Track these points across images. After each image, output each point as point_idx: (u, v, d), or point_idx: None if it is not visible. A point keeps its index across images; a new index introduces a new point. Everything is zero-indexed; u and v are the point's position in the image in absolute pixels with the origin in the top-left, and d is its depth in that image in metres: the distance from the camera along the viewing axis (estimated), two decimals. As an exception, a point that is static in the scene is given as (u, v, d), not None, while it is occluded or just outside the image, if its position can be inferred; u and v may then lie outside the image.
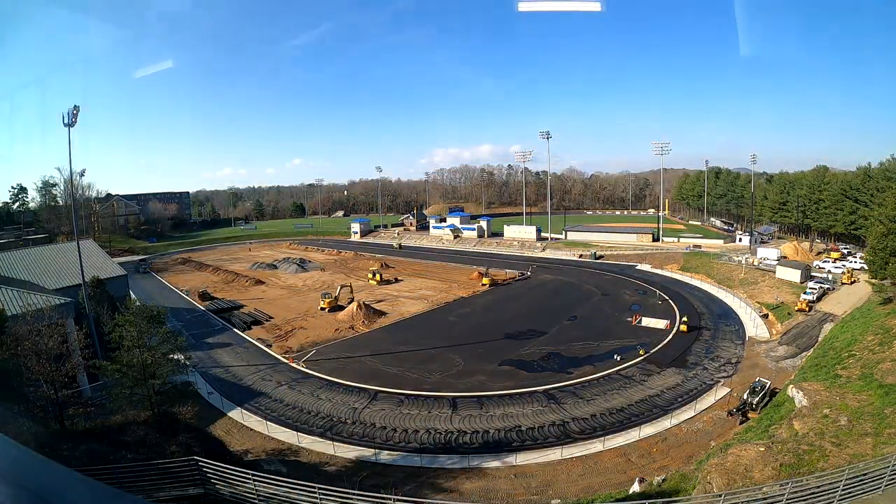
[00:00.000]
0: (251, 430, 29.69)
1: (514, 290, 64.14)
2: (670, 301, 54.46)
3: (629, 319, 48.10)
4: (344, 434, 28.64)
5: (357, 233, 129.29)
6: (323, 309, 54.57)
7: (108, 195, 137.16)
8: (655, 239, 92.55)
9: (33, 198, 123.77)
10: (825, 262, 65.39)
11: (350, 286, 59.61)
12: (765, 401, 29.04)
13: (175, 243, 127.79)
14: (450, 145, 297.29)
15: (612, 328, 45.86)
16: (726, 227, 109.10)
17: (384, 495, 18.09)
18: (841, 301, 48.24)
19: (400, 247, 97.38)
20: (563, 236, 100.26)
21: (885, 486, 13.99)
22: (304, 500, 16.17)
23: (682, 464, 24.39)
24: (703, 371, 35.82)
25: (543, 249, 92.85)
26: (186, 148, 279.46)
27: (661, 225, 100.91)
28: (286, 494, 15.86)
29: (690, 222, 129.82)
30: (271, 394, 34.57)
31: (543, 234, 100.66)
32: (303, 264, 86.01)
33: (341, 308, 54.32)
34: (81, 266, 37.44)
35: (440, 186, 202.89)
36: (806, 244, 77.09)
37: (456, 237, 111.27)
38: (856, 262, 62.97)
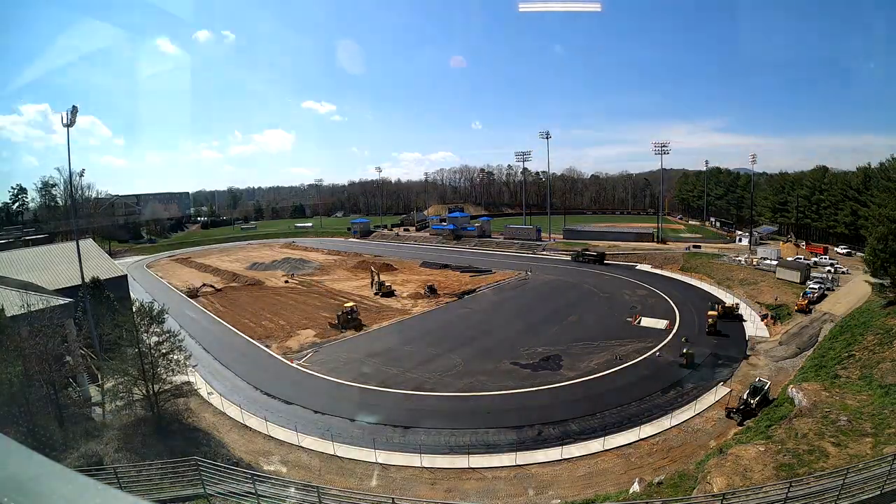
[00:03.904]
0: (251, 429, 29.68)
1: (513, 291, 64.12)
2: (675, 306, 54.42)
3: (629, 319, 48.11)
4: (344, 434, 28.64)
5: (357, 233, 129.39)
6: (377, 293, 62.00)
7: (108, 195, 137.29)
8: (655, 239, 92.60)
9: (33, 198, 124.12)
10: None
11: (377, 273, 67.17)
12: (763, 403, 28.94)
13: (175, 243, 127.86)
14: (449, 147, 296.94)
15: (613, 328, 45.82)
16: (726, 228, 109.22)
17: (384, 495, 18.10)
18: (840, 301, 48.25)
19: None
20: (562, 236, 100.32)
21: (885, 486, 13.98)
22: (303, 500, 16.17)
23: (682, 464, 24.39)
24: (702, 371, 35.83)
25: (543, 249, 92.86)
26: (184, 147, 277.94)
27: (660, 225, 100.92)
28: (286, 494, 15.85)
29: (690, 222, 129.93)
30: (271, 393, 34.57)
31: (543, 235, 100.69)
32: (302, 265, 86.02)
33: (391, 293, 61.76)
34: (81, 266, 37.46)
35: (440, 187, 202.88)
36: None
37: (456, 237, 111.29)
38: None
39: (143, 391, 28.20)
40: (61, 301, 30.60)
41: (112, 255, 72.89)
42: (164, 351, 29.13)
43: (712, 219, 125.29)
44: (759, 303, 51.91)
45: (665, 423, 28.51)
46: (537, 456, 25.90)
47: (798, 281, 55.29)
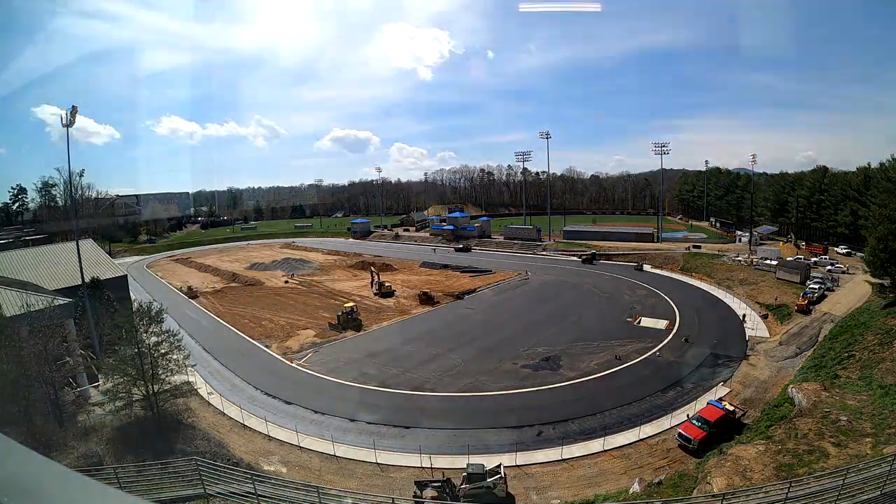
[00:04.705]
0: (251, 429, 29.67)
1: (513, 291, 64.12)
2: (674, 306, 54.43)
3: (629, 319, 48.11)
4: (344, 434, 28.61)
5: (357, 233, 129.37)
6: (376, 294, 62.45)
7: (108, 195, 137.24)
8: (655, 239, 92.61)
9: (33, 198, 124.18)
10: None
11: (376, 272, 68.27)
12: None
13: (174, 243, 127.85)
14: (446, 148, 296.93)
15: (612, 328, 45.81)
16: (726, 228, 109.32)
17: (384, 495, 18.11)
18: (840, 301, 48.28)
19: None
20: (562, 236, 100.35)
21: (885, 486, 13.99)
22: (304, 500, 16.17)
23: (682, 464, 24.39)
24: (702, 372, 35.81)
25: (543, 250, 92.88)
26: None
27: (660, 225, 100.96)
28: (286, 494, 15.85)
29: (690, 222, 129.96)
30: (271, 393, 34.56)
31: (543, 235, 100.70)
32: (302, 265, 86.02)
33: (391, 293, 61.76)
34: (81, 266, 37.45)
35: (440, 187, 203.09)
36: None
37: (456, 238, 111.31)
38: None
39: (143, 391, 28.19)
40: (61, 301, 30.58)
41: (112, 255, 72.87)
42: (163, 351, 29.11)
43: (712, 219, 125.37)
44: (759, 303, 51.91)
45: (665, 423, 28.48)
46: (537, 456, 25.90)
47: (798, 281, 55.33)
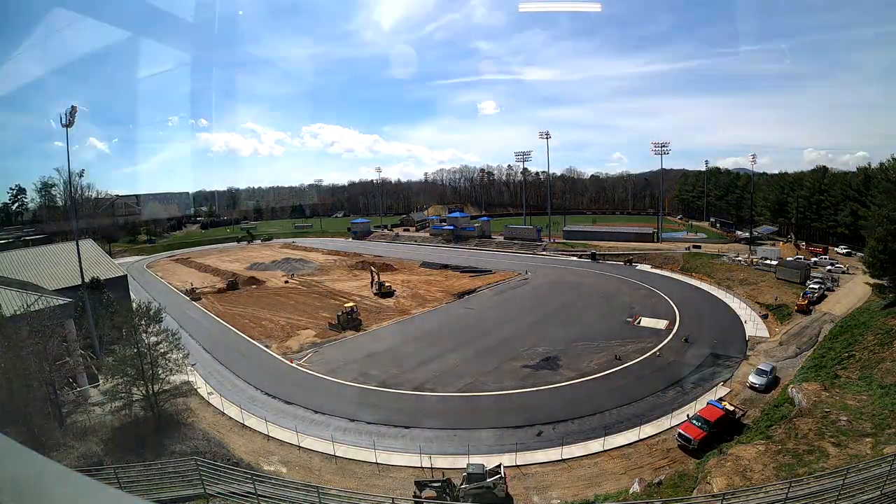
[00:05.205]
0: (251, 429, 29.66)
1: (513, 291, 64.12)
2: (674, 306, 54.43)
3: (629, 319, 48.10)
4: (344, 434, 28.61)
5: (357, 233, 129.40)
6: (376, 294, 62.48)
7: (108, 195, 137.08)
8: (655, 239, 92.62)
9: (32, 199, 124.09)
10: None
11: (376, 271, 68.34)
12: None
13: (175, 243, 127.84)
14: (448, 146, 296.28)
15: (612, 328, 45.81)
16: (726, 228, 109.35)
17: (384, 495, 18.13)
18: (841, 301, 48.29)
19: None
20: (562, 236, 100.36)
21: (885, 486, 13.99)
22: (304, 500, 16.18)
23: (682, 464, 24.38)
24: (702, 371, 35.80)
25: (543, 250, 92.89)
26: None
27: (660, 225, 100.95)
28: (286, 494, 15.87)
29: (690, 222, 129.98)
30: (271, 393, 34.55)
31: (543, 235, 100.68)
32: (302, 265, 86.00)
33: (391, 294, 61.85)
34: (81, 266, 37.46)
35: (440, 187, 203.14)
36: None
37: (456, 237, 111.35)
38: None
39: (143, 391, 28.20)
40: (61, 301, 30.59)
41: (111, 255, 72.92)
42: (162, 351, 29.11)
43: (712, 219, 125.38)
44: (759, 303, 51.90)
45: (665, 423, 28.47)
46: (537, 456, 25.90)
47: (798, 281, 55.33)
